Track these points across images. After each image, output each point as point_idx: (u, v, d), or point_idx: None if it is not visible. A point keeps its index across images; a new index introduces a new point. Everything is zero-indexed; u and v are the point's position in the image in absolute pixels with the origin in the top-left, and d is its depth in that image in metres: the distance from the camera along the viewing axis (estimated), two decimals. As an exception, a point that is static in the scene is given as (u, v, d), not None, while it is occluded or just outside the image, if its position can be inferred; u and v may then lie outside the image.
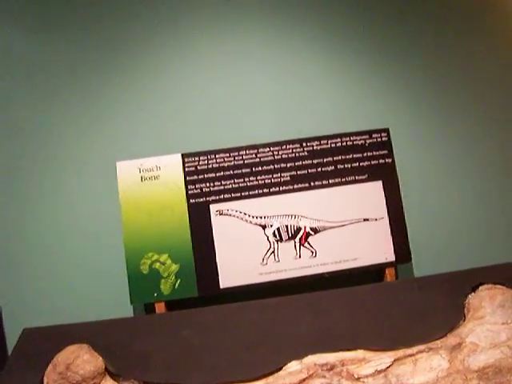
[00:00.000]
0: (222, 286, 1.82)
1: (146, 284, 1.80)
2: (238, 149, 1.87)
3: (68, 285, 1.95)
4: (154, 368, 1.28)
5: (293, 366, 1.18)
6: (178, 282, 1.81)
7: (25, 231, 1.94)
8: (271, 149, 1.87)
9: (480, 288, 1.38)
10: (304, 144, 1.89)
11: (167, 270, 1.81)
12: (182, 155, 1.86)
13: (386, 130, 1.92)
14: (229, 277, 1.82)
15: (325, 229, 1.86)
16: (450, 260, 2.03)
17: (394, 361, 1.19)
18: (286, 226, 1.85)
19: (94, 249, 1.95)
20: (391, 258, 1.87)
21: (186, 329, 1.46)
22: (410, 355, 1.21)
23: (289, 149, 1.88)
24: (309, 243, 1.86)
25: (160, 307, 1.81)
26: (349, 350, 1.22)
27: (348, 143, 1.90)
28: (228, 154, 1.86)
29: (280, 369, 1.18)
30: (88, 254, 1.95)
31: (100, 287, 1.96)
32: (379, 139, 1.92)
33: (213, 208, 1.84)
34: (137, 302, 1.84)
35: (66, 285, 1.95)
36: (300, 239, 1.86)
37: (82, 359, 1.14)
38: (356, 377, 1.15)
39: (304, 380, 1.14)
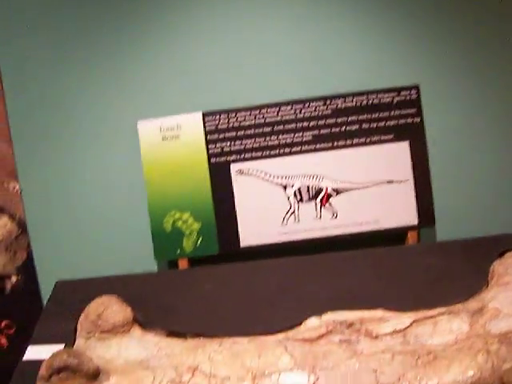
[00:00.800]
0: (242, 245, 1.84)
1: (169, 241, 1.84)
2: (260, 107, 1.84)
3: (95, 240, 2.01)
4: (178, 319, 1.33)
5: (312, 322, 1.19)
6: (200, 239, 1.84)
7: (50, 190, 1.98)
8: (293, 107, 1.84)
9: (506, 255, 1.35)
10: (328, 102, 1.84)
11: (189, 228, 1.84)
12: (203, 114, 1.84)
13: (416, 87, 1.85)
14: (249, 236, 1.84)
15: (347, 190, 1.84)
16: (476, 225, 1.97)
17: (414, 322, 1.19)
18: (307, 187, 1.84)
19: (119, 208, 1.99)
20: (414, 221, 1.85)
21: (208, 284, 1.49)
22: (430, 317, 1.20)
23: (312, 107, 1.84)
24: (330, 204, 1.84)
25: (183, 263, 1.86)
26: (368, 309, 1.23)
27: (374, 101, 1.84)
28: (249, 113, 1.83)
29: (299, 324, 1.20)
30: (113, 212, 1.99)
31: (126, 244, 2.00)
32: (408, 97, 1.85)
33: (233, 167, 1.84)
34: (160, 259, 1.89)
35: (93, 241, 2.01)
36: (321, 200, 1.84)
37: (112, 309, 1.19)
38: (374, 335, 1.16)
39: (323, 336, 1.16)
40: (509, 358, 1.05)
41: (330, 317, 1.20)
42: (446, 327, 1.17)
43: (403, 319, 1.20)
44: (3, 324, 1.87)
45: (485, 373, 1.04)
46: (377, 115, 1.85)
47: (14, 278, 1.93)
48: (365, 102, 1.85)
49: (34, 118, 1.95)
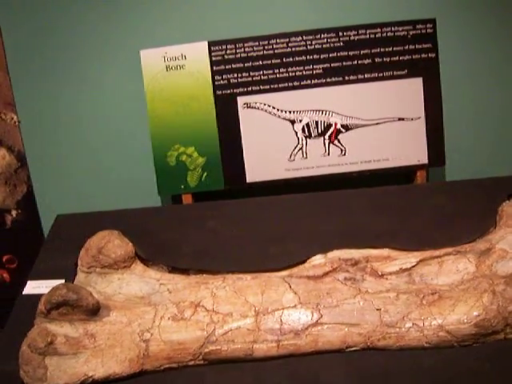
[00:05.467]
0: (248, 180, 1.82)
1: (172, 176, 1.82)
2: (268, 37, 1.75)
3: (97, 174, 1.99)
4: (181, 255, 1.32)
5: (317, 259, 1.19)
6: (205, 174, 1.82)
7: (49, 122, 1.93)
8: (304, 38, 1.75)
9: (516, 196, 1.33)
10: (340, 33, 1.76)
11: (194, 162, 1.81)
12: (209, 43, 1.76)
13: (432, 21, 1.76)
14: (255, 171, 1.81)
15: (357, 126, 1.80)
16: (487, 167, 1.96)
17: (420, 261, 1.19)
18: (316, 122, 1.79)
19: (121, 141, 1.95)
20: (424, 160, 1.81)
21: (213, 220, 1.47)
22: (437, 257, 1.20)
23: (323, 38, 1.76)
24: (339, 141, 1.81)
25: (187, 199, 1.85)
26: (374, 247, 1.22)
27: (389, 34, 1.76)
28: (257, 43, 1.75)
29: (304, 261, 1.20)
30: (116, 146, 1.96)
31: (129, 179, 1.99)
32: (423, 31, 1.76)
33: (240, 100, 1.78)
34: (164, 194, 1.88)
35: (94, 175, 1.99)
36: (330, 136, 1.81)
37: (113, 244, 1.18)
38: (380, 274, 1.16)
39: (328, 273, 1.16)
40: (514, 300, 1.04)
41: (336, 254, 1.20)
42: (452, 267, 1.17)
43: (409, 258, 1.20)
44: (5, 258, 1.89)
45: (490, 313, 1.04)
46: (390, 49, 1.77)
47: (14, 212, 1.92)
48: (378, 35, 1.77)
49: (32, 47, 1.87)
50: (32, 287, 1.26)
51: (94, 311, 1.06)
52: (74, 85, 1.91)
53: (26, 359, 0.98)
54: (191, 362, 1.05)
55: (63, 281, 1.16)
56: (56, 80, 1.90)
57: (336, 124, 1.80)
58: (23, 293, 1.25)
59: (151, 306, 1.10)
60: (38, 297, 1.07)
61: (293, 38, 1.76)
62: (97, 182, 1.99)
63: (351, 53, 1.77)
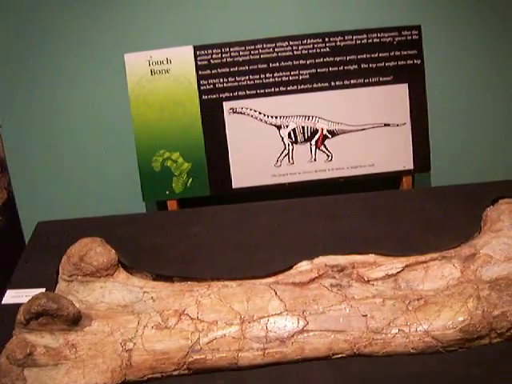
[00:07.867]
0: (234, 186, 1.81)
1: (157, 182, 1.80)
2: (255, 42, 1.75)
3: (80, 180, 1.96)
4: (165, 262, 1.31)
5: (303, 265, 1.19)
6: (190, 180, 1.81)
7: (31, 128, 1.91)
8: (290, 43, 1.76)
9: (500, 201, 1.35)
10: (326, 39, 1.76)
11: (179, 168, 1.80)
12: (194, 48, 1.75)
13: (418, 28, 1.77)
14: (241, 177, 1.81)
15: (343, 132, 1.81)
16: (472, 172, 1.98)
17: (406, 266, 1.19)
18: (303, 128, 1.79)
19: (104, 146, 1.93)
20: (409, 166, 1.83)
21: (198, 226, 1.47)
22: (422, 262, 1.21)
23: (309, 44, 1.76)
24: (325, 146, 1.81)
25: (172, 205, 1.83)
26: (360, 253, 1.22)
27: (374, 40, 1.77)
28: (243, 48, 1.75)
29: (290, 268, 1.20)
30: (99, 151, 1.93)
31: (112, 185, 1.97)
32: (409, 37, 1.78)
33: (226, 106, 1.78)
34: (149, 200, 1.86)
35: (77, 180, 1.97)
36: (316, 142, 1.81)
37: (95, 251, 1.17)
38: (366, 279, 1.16)
39: (314, 279, 1.16)
40: (499, 305, 1.05)
41: (322, 260, 1.20)
42: (437, 272, 1.18)
43: (395, 264, 1.20)
44: (-16, 266, 1.84)
45: (475, 319, 1.04)
46: (376, 55, 1.78)
47: (-7, 219, 1.89)
48: (364, 41, 1.78)
49: (14, 51, 1.84)
50: (11, 296, 1.24)
51: (75, 321, 1.04)
52: (56, 90, 1.88)
53: (5, 371, 0.96)
54: (175, 372, 1.03)
55: (43, 290, 1.15)
56: (38, 85, 1.87)
57: (322, 129, 1.80)
58: (2, 302, 1.23)
59: (134, 314, 1.09)
60: (17, 306, 1.05)
61: (279, 43, 1.76)
62: (79, 187, 1.97)
63: (337, 58, 1.78)
